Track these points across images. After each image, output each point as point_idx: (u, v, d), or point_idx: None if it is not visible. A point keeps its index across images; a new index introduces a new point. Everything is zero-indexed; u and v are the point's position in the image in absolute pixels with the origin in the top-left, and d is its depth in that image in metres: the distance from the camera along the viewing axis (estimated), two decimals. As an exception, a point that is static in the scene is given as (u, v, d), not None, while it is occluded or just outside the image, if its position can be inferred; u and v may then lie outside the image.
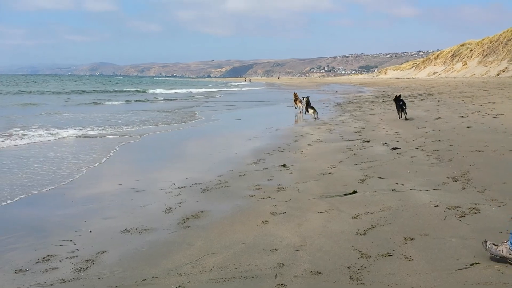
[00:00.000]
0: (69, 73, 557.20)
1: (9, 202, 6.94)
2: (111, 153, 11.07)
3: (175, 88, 65.06)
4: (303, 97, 20.18)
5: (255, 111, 25.51)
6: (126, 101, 34.81)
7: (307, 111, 19.07)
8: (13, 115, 21.22)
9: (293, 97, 22.78)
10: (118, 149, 11.70)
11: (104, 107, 28.73)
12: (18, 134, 13.81)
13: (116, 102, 33.45)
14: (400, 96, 16.94)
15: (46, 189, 7.73)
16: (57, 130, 14.94)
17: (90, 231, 5.60)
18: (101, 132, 15.12)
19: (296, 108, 21.73)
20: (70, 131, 14.89)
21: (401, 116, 16.27)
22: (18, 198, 7.15)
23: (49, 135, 13.97)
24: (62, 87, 65.32)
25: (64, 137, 13.80)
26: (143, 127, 16.79)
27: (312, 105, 19.19)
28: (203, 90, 61.87)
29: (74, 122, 18.32)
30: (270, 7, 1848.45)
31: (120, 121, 18.78)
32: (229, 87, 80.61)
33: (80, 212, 6.43)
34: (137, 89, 59.84)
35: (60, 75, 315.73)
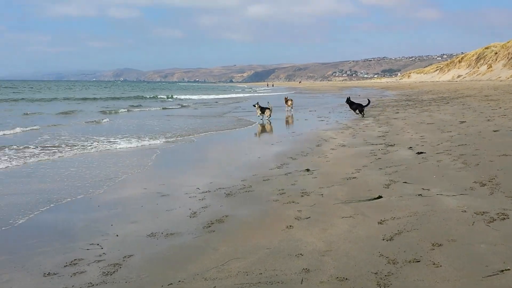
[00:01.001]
0: (94, 79, 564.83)
1: (51, 205, 7.06)
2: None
3: (207, 94, 64.27)
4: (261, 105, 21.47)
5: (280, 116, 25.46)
6: (163, 108, 34.57)
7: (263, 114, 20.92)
8: (62, 124, 21.30)
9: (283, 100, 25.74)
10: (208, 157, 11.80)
11: (149, 113, 28.95)
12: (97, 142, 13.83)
13: (153, 108, 33.72)
14: (350, 98, 22.27)
15: (99, 191, 7.86)
16: (133, 139, 14.56)
17: (117, 235, 5.66)
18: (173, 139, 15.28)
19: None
20: (146, 140, 14.39)
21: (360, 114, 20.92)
22: (52, 204, 7.27)
23: (131, 142, 13.92)
24: (93, 93, 65.88)
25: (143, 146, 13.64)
26: (209, 132, 16.87)
27: (330, 110, 19.19)
28: (233, 95, 61.62)
29: (138, 129, 18.25)
30: (292, 12, 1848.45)
31: (181, 127, 18.63)
32: (255, 92, 79.79)
33: (107, 216, 6.52)
34: (167, 95, 58.92)
35: (85, 81, 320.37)
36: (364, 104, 21.98)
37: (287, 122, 21.77)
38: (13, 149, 12.26)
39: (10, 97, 50.27)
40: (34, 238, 5.70)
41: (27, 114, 26.04)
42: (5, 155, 11.30)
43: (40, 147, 12.81)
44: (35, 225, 6.27)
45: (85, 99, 48.40)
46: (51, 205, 7.16)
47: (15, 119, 22.82)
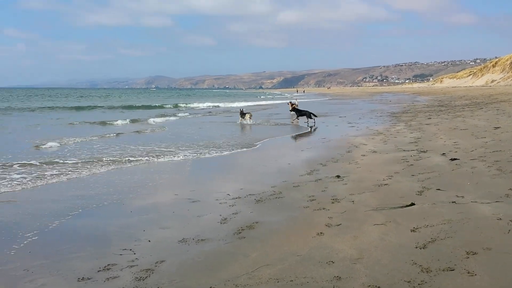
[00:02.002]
0: (126, 87, 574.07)
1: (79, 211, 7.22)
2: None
3: (245, 101, 61.21)
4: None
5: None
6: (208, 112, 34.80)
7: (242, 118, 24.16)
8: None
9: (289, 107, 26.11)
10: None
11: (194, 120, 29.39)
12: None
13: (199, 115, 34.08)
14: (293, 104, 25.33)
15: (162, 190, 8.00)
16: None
17: (149, 241, 5.73)
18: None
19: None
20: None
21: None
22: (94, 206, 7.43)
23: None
24: (137, 101, 66.17)
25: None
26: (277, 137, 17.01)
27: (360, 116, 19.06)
28: (270, 102, 60.49)
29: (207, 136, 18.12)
30: (323, 18, 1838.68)
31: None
32: (288, 98, 77.48)
33: (139, 222, 6.60)
34: (212, 103, 57.44)
35: (119, 89, 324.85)
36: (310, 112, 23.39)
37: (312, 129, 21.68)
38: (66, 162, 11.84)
39: (53, 105, 50.92)
40: (68, 243, 5.81)
41: (73, 124, 25.39)
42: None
43: (110, 158, 12.97)
44: (69, 230, 6.40)
45: (130, 107, 48.59)
46: (92, 208, 7.31)
47: (63, 129, 22.37)
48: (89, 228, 6.43)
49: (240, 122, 24.02)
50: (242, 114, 24.51)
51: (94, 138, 17.12)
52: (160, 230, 6.20)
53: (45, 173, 10.15)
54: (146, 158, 12.15)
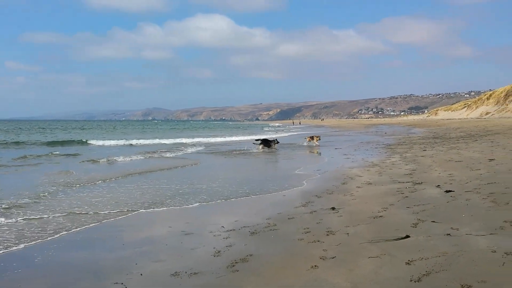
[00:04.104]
0: (123, 119, 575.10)
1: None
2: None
3: (249, 135, 55.04)
4: None
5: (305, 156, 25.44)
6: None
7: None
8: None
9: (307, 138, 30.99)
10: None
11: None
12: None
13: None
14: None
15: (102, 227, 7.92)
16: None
17: (141, 274, 5.66)
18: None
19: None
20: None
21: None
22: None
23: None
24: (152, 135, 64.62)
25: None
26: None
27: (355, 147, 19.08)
28: (285, 134, 57.76)
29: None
30: (324, 51, 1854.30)
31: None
32: (284, 131, 74.31)
33: (131, 255, 6.53)
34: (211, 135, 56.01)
35: (114, 121, 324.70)
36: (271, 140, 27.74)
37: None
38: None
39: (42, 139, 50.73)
40: (61, 276, 5.74)
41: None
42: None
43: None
44: (62, 262, 6.32)
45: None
46: (75, 238, 7.24)
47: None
48: (81, 261, 6.36)
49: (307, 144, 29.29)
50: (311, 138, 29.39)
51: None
52: (152, 263, 6.13)
53: None
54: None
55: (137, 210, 9.59)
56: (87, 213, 9.27)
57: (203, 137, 45.76)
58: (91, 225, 8.37)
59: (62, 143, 37.83)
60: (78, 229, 8.06)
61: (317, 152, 24.56)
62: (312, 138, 30.50)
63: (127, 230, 8.01)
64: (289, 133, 58.84)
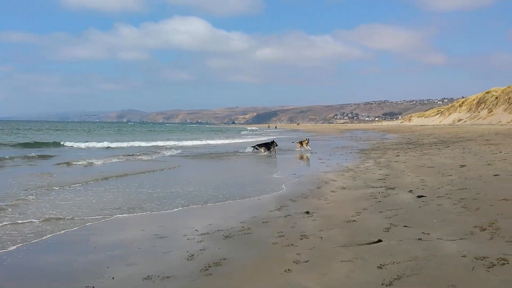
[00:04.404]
0: (97, 120, 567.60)
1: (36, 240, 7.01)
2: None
3: (232, 139, 54.36)
4: None
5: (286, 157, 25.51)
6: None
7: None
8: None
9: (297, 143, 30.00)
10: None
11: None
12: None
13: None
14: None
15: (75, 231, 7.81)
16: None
17: (113, 278, 5.59)
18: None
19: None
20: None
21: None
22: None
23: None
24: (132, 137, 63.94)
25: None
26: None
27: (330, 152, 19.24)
28: (263, 138, 57.30)
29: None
30: (300, 55, 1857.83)
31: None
32: (262, 135, 73.78)
33: (103, 258, 6.45)
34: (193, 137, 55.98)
35: (88, 122, 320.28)
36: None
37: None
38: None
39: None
40: (32, 280, 5.64)
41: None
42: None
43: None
44: (32, 267, 6.21)
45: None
46: (48, 242, 7.11)
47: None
48: (52, 265, 6.25)
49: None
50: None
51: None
52: (125, 266, 6.07)
53: None
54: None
55: (112, 215, 9.47)
56: (61, 218, 9.08)
57: (181, 140, 45.37)
58: (64, 230, 8.22)
59: (36, 144, 36.73)
60: (52, 234, 7.91)
61: (306, 157, 24.57)
62: (301, 143, 29.73)
63: (99, 234, 7.92)
64: (267, 137, 58.82)
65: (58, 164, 20.17)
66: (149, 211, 9.88)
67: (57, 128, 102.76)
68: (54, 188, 12.71)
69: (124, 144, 38.14)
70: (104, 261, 6.30)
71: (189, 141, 44.85)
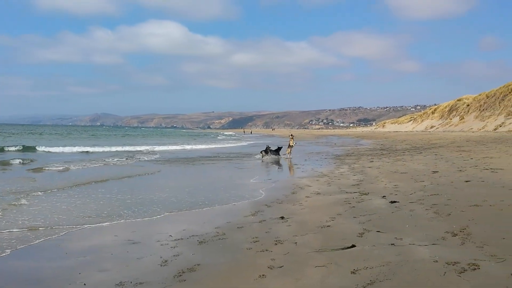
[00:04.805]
0: (70, 124, 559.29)
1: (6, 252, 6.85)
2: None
3: (211, 144, 54.14)
4: None
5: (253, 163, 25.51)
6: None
7: None
8: None
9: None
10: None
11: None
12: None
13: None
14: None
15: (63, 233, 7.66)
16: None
17: (84, 284, 5.50)
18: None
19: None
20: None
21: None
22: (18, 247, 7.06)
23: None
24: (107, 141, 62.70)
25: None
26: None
27: (305, 157, 19.38)
28: (243, 143, 55.89)
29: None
30: (276, 61, 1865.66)
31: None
32: (241, 140, 72.31)
33: (75, 264, 6.34)
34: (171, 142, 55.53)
35: (61, 126, 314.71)
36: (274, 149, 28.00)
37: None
38: None
39: None
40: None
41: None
42: None
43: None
44: (1, 274, 6.07)
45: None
46: (19, 249, 6.96)
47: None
48: (23, 271, 6.12)
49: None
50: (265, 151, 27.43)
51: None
52: (97, 272, 5.97)
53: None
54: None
55: (85, 223, 9.33)
56: (37, 225, 8.91)
57: (158, 145, 45.05)
58: (37, 237, 8.06)
59: (4, 149, 35.22)
60: (23, 241, 7.74)
61: (289, 159, 25.07)
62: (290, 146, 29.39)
63: (71, 240, 7.78)
64: (247, 142, 58.67)
65: (33, 169, 19.63)
66: (123, 217, 9.73)
67: (30, 131, 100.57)
68: (32, 194, 12.35)
69: (100, 149, 37.51)
70: (76, 267, 6.19)
71: (166, 146, 44.60)
